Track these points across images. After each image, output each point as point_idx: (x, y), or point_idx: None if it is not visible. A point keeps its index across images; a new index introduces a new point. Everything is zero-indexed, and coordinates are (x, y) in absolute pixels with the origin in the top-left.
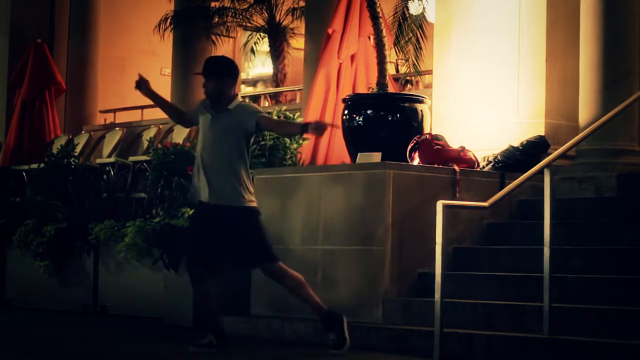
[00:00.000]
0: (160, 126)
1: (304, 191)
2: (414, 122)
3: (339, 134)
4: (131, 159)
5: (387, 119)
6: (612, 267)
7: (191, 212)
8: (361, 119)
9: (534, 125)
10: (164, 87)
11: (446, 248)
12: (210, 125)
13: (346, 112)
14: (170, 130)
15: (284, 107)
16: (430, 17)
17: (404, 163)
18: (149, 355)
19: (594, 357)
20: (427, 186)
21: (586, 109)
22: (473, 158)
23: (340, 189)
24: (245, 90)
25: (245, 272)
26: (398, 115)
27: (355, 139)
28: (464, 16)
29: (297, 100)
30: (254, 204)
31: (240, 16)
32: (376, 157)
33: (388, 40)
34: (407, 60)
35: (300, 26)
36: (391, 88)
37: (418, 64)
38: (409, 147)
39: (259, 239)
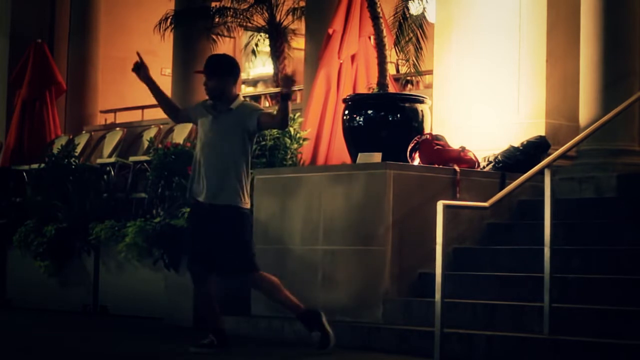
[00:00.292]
0: (161, 126)
1: (305, 191)
2: (414, 122)
3: (339, 134)
4: (132, 159)
5: (387, 119)
6: (612, 267)
7: None
8: (362, 119)
9: (535, 126)
10: (164, 87)
11: (446, 248)
12: (212, 126)
13: (346, 112)
14: (171, 130)
15: None
16: (431, 17)
17: (405, 163)
18: (149, 355)
19: (594, 357)
20: (427, 186)
21: (586, 109)
22: (473, 158)
23: (340, 189)
24: (245, 90)
25: (226, 280)
26: (398, 116)
27: (356, 139)
28: (465, 16)
29: (298, 101)
30: (248, 207)
31: (241, 16)
32: (376, 157)
33: (388, 41)
34: (407, 61)
35: (300, 26)
36: (391, 88)
37: (418, 64)
38: (410, 147)
39: (244, 245)
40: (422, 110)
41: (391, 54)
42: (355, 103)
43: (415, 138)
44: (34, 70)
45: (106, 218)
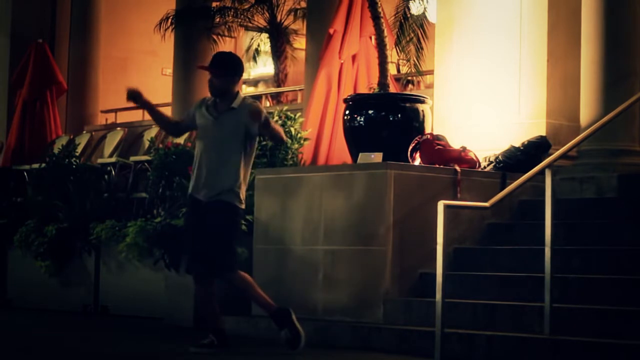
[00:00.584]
0: None
1: (305, 191)
2: (415, 122)
3: (340, 134)
4: (132, 159)
5: (388, 119)
6: (613, 267)
7: None
8: (362, 119)
9: (535, 126)
10: (165, 87)
11: (447, 248)
12: (213, 125)
13: (347, 112)
14: None
15: (285, 107)
16: (432, 17)
17: (405, 163)
18: (149, 355)
19: (594, 357)
20: (428, 186)
21: (587, 110)
22: (474, 158)
23: (341, 189)
24: (246, 90)
25: (202, 283)
26: (399, 116)
27: (357, 139)
28: (465, 16)
29: (299, 101)
30: (243, 208)
31: (242, 16)
32: (377, 157)
33: (389, 41)
34: (408, 61)
35: (301, 26)
36: (392, 88)
37: (419, 64)
38: (410, 147)
39: (228, 242)
40: (423, 110)
41: (392, 54)
42: (356, 103)
43: (416, 138)
44: (34, 70)
45: (107, 218)
